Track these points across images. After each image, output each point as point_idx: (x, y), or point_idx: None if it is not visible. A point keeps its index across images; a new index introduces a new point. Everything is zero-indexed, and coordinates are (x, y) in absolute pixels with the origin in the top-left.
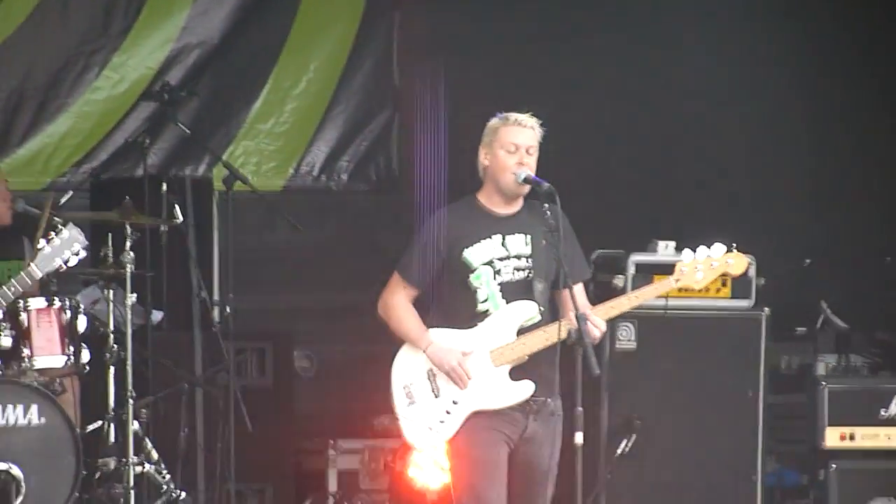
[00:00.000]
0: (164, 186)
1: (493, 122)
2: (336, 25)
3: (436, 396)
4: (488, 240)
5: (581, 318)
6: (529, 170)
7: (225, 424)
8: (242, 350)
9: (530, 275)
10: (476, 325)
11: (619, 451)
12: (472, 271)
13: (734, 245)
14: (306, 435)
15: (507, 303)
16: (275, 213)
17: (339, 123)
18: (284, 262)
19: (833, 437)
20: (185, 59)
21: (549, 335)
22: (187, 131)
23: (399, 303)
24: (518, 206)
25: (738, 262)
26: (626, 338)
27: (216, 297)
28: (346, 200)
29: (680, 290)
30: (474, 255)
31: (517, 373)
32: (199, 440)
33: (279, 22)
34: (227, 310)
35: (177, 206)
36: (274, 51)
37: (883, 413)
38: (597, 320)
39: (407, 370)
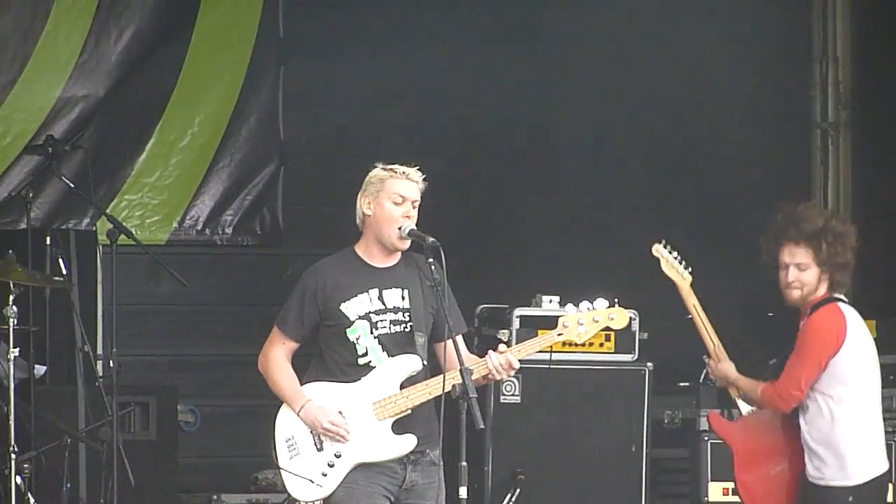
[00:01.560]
0: (48, 240)
1: (378, 172)
2: (221, 79)
3: (318, 450)
4: (364, 294)
5: (465, 372)
6: (413, 224)
7: (108, 479)
8: (126, 404)
9: (406, 328)
10: (359, 378)
11: None
12: (350, 325)
13: (616, 300)
14: (189, 489)
15: (389, 356)
16: (159, 266)
17: (224, 177)
18: (169, 315)
19: (716, 492)
20: (69, 112)
21: (432, 388)
22: (71, 185)
23: (276, 359)
24: (396, 258)
25: (620, 317)
26: (511, 392)
27: (100, 350)
28: (230, 254)
29: (563, 343)
30: (350, 308)
31: (398, 426)
32: (82, 495)
33: (165, 76)
34: (111, 364)
35: (60, 260)
36: (159, 104)
37: None
38: (512, 358)
39: (289, 423)
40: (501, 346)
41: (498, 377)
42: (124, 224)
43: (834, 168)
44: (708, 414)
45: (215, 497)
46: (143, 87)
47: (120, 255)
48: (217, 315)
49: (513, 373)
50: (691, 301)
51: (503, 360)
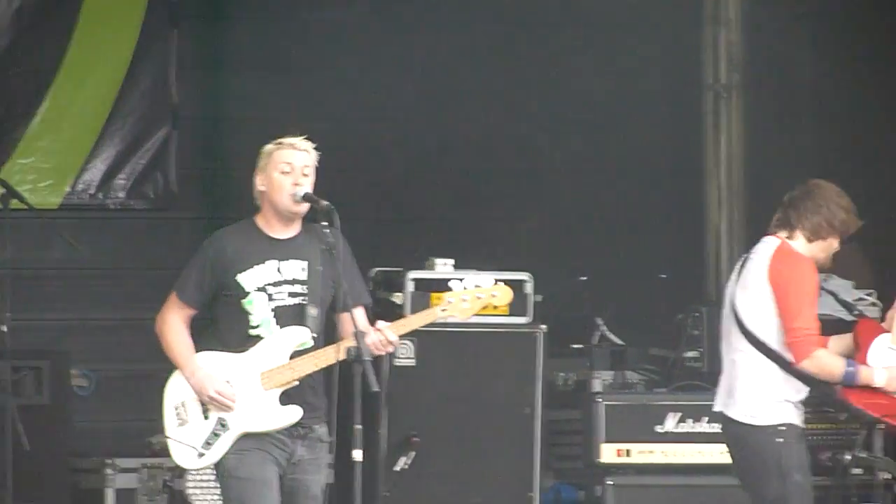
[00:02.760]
0: None
1: (267, 147)
2: (113, 44)
3: (205, 418)
4: (262, 265)
5: (360, 335)
6: (306, 189)
7: (2, 443)
8: (19, 368)
9: (304, 300)
10: (248, 348)
11: (397, 468)
12: (246, 296)
13: (501, 280)
14: (83, 453)
15: (281, 328)
16: (51, 230)
17: (117, 141)
18: (62, 280)
19: (609, 453)
20: None
21: (319, 360)
22: None
23: (172, 323)
24: (296, 229)
25: (503, 294)
26: (405, 354)
27: None
28: (123, 218)
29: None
30: (248, 279)
31: (286, 398)
32: None
33: (56, 40)
34: (4, 328)
35: None
36: (51, 69)
37: (658, 429)
38: (389, 333)
39: (179, 390)
40: (380, 323)
41: (377, 353)
42: (16, 188)
43: (726, 130)
44: None
45: (109, 461)
46: (35, 50)
47: (12, 220)
48: (110, 279)
49: (391, 349)
50: None
51: (380, 338)
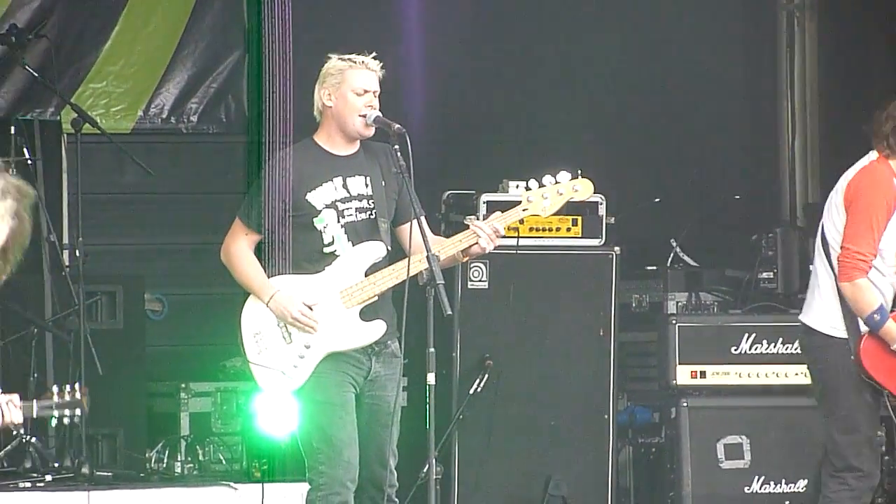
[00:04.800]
0: (13, 129)
1: (336, 63)
2: None
3: (287, 343)
4: (329, 182)
5: (432, 258)
6: (377, 112)
7: (76, 368)
8: (93, 293)
9: (373, 215)
10: (324, 268)
11: (471, 390)
12: (316, 214)
13: (580, 171)
14: (158, 378)
15: (353, 244)
16: (124, 155)
17: (189, 65)
18: (135, 204)
19: (684, 375)
20: (31, 2)
21: (399, 273)
22: (35, 74)
23: (240, 251)
24: (357, 146)
25: (585, 188)
26: (478, 277)
27: (66, 240)
28: (196, 142)
29: (529, 222)
30: (317, 197)
31: (366, 314)
32: (50, 384)
33: None
34: (77, 253)
35: (25, 149)
36: None
37: (734, 350)
38: (497, 225)
39: (256, 317)
40: (469, 218)
41: (487, 245)
42: (89, 113)
43: (800, 50)
44: None
45: (184, 385)
46: None
47: (84, 145)
48: (183, 204)
49: (498, 241)
50: None
51: (490, 227)
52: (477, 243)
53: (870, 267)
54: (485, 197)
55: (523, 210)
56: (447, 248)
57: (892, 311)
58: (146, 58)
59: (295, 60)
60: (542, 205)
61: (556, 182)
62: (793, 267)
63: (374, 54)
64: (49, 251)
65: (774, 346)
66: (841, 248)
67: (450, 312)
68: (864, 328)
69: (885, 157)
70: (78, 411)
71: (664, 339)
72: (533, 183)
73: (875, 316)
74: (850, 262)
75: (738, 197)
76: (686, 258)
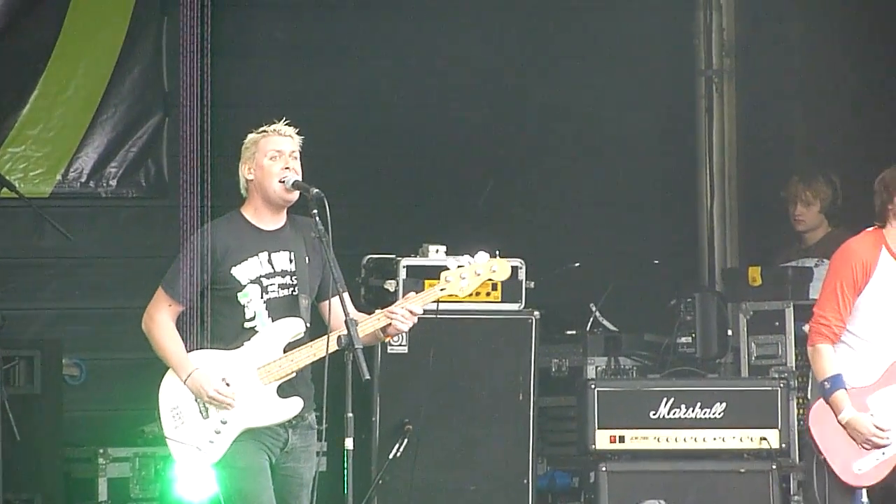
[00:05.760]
0: None
1: (251, 136)
2: (104, 31)
3: (204, 417)
4: (255, 257)
5: (351, 323)
6: (297, 174)
7: None
8: (10, 358)
9: (295, 291)
10: (242, 343)
11: (390, 455)
12: (241, 289)
13: (497, 252)
14: (76, 443)
15: (273, 320)
16: (43, 219)
17: (108, 128)
18: (53, 268)
19: (603, 440)
20: None
21: (316, 349)
22: None
23: (162, 322)
24: (282, 220)
25: (502, 269)
26: (398, 342)
27: None
28: (115, 206)
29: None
30: (242, 272)
31: (283, 390)
32: None
33: (47, 26)
34: None
35: None
36: (42, 55)
37: (652, 415)
38: (412, 307)
39: (174, 392)
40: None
41: (402, 326)
42: (7, 177)
43: (718, 115)
44: None
45: (102, 450)
46: (25, 39)
47: (3, 209)
48: (102, 268)
49: (415, 321)
50: None
51: (403, 310)
52: (391, 324)
53: (834, 333)
54: (405, 261)
55: (440, 290)
56: (364, 326)
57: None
58: (65, 122)
59: (212, 123)
60: (460, 285)
61: (474, 262)
62: (711, 332)
63: (287, 121)
64: None
65: (693, 411)
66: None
67: (368, 377)
68: None
69: (878, 227)
70: None
71: (583, 404)
72: (451, 261)
73: (825, 383)
74: (815, 326)
75: (656, 262)
76: (605, 323)
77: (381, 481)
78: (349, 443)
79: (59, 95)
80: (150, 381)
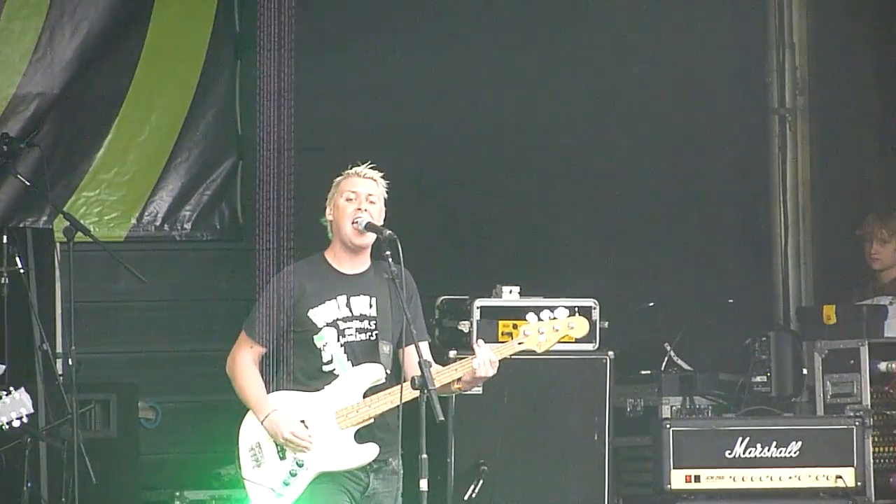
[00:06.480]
0: (5, 238)
1: (338, 178)
2: (177, 74)
3: (281, 458)
4: (332, 301)
5: (425, 364)
6: (370, 217)
7: (69, 477)
8: (86, 402)
9: (374, 336)
10: (322, 387)
11: (466, 497)
12: (317, 332)
13: (576, 309)
14: (152, 486)
15: (353, 364)
16: (117, 263)
17: (182, 172)
18: (128, 312)
19: (678, 479)
20: (24, 110)
21: (395, 398)
22: (27, 183)
23: (244, 364)
24: (365, 265)
25: (580, 326)
26: None
27: (59, 348)
28: (189, 250)
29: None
30: (318, 315)
31: (362, 435)
32: (44, 494)
33: (120, 71)
34: (70, 361)
35: (18, 258)
36: (116, 100)
37: (728, 454)
38: (492, 356)
39: (254, 431)
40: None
41: (482, 372)
42: (82, 221)
43: (792, 154)
44: None
45: (178, 493)
46: (99, 83)
47: (78, 253)
48: (176, 311)
49: (495, 371)
50: None
51: (487, 355)
52: (472, 370)
53: None
54: (478, 302)
55: (519, 343)
56: (443, 375)
57: None
58: (139, 166)
59: (292, 166)
60: (538, 339)
61: (554, 318)
62: (786, 370)
63: (372, 164)
64: (42, 360)
65: (768, 450)
66: None
67: (442, 418)
68: None
69: None
70: None
71: (658, 444)
72: (531, 316)
73: None
74: None
75: (731, 301)
76: (680, 362)
77: None
78: (424, 484)
79: (133, 139)
80: (225, 423)
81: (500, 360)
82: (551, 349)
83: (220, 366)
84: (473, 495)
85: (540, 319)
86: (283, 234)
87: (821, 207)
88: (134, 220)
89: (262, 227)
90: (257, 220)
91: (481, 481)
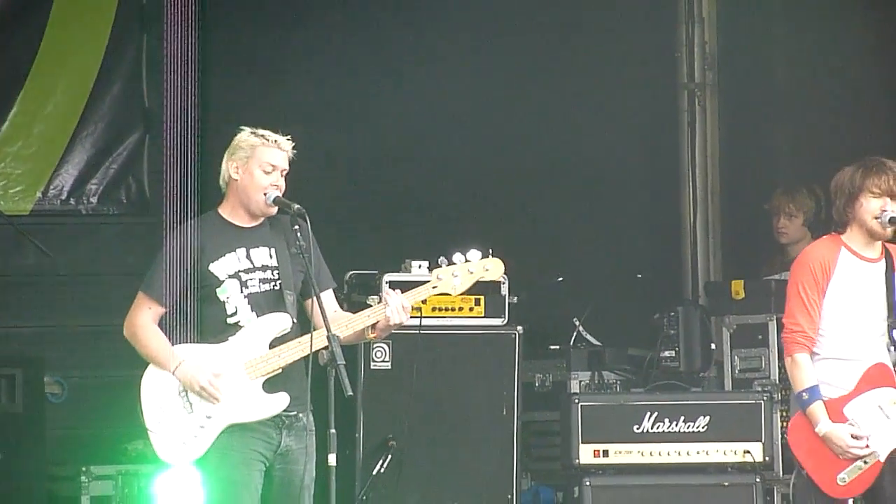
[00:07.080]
0: None
1: (249, 137)
2: (83, 48)
3: (189, 413)
4: (232, 253)
5: (333, 339)
6: (279, 191)
7: None
8: None
9: (278, 286)
10: (227, 338)
11: (374, 471)
12: (219, 285)
13: (490, 251)
14: (58, 461)
15: (257, 315)
16: (23, 237)
17: (88, 146)
18: (34, 286)
19: (587, 454)
20: None
21: (304, 346)
22: None
23: (144, 323)
24: (260, 218)
25: (495, 267)
26: (381, 358)
27: None
28: (96, 224)
29: (434, 297)
30: (219, 268)
31: (271, 385)
32: None
33: (25, 45)
34: None
35: None
36: (20, 74)
37: (636, 429)
38: (404, 301)
39: (157, 386)
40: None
41: (395, 318)
42: None
43: (701, 129)
44: None
45: (85, 468)
46: (3, 56)
47: None
48: (83, 285)
49: (407, 317)
50: None
51: (399, 301)
52: (385, 317)
53: (809, 339)
54: (387, 277)
55: (433, 287)
56: (355, 322)
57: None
58: (45, 139)
59: (200, 138)
60: (452, 283)
61: (467, 260)
62: (694, 345)
63: (287, 136)
64: None
65: (676, 425)
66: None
67: (351, 393)
68: None
69: (837, 233)
70: None
71: (567, 418)
72: (442, 260)
73: (803, 394)
74: (788, 336)
75: (640, 276)
76: (589, 337)
77: (364, 498)
78: (332, 459)
79: (39, 112)
80: (132, 398)
81: (408, 327)
82: (461, 325)
83: (126, 340)
84: (382, 470)
85: (452, 263)
86: (190, 209)
87: (729, 182)
88: (39, 194)
89: (169, 202)
90: (164, 194)
91: (390, 456)
